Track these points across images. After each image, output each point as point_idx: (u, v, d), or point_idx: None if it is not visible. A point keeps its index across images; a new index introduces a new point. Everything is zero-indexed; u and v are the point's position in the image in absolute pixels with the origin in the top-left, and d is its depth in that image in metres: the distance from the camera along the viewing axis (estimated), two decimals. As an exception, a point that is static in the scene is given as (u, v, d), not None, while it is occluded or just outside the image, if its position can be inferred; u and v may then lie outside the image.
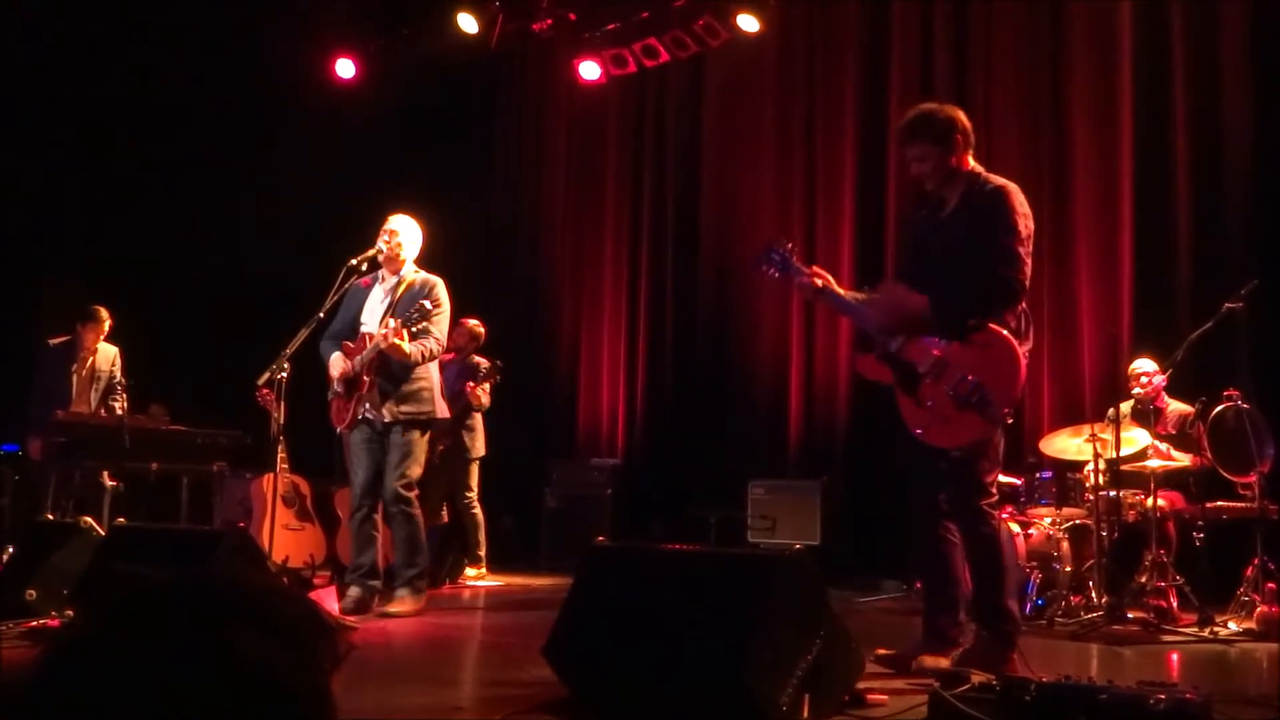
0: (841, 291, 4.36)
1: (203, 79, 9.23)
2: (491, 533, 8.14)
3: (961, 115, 4.24)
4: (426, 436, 5.97)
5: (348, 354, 5.78)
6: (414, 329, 5.60)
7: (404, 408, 5.75)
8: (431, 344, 5.77)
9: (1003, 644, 4.04)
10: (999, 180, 4.19)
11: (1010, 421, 4.22)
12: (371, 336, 5.69)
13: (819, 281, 4.29)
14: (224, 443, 7.24)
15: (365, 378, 5.69)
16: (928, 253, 4.25)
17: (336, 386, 5.85)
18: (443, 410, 6.09)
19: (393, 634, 5.21)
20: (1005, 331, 4.00)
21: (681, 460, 9.34)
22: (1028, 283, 4.09)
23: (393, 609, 5.67)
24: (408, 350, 5.60)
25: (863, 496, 8.22)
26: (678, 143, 9.88)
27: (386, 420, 5.75)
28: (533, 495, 9.30)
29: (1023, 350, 4.03)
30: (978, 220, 4.09)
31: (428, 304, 5.63)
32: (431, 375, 5.93)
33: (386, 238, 5.87)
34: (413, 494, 5.81)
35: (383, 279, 5.95)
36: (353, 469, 5.94)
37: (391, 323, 5.59)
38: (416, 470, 5.84)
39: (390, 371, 5.72)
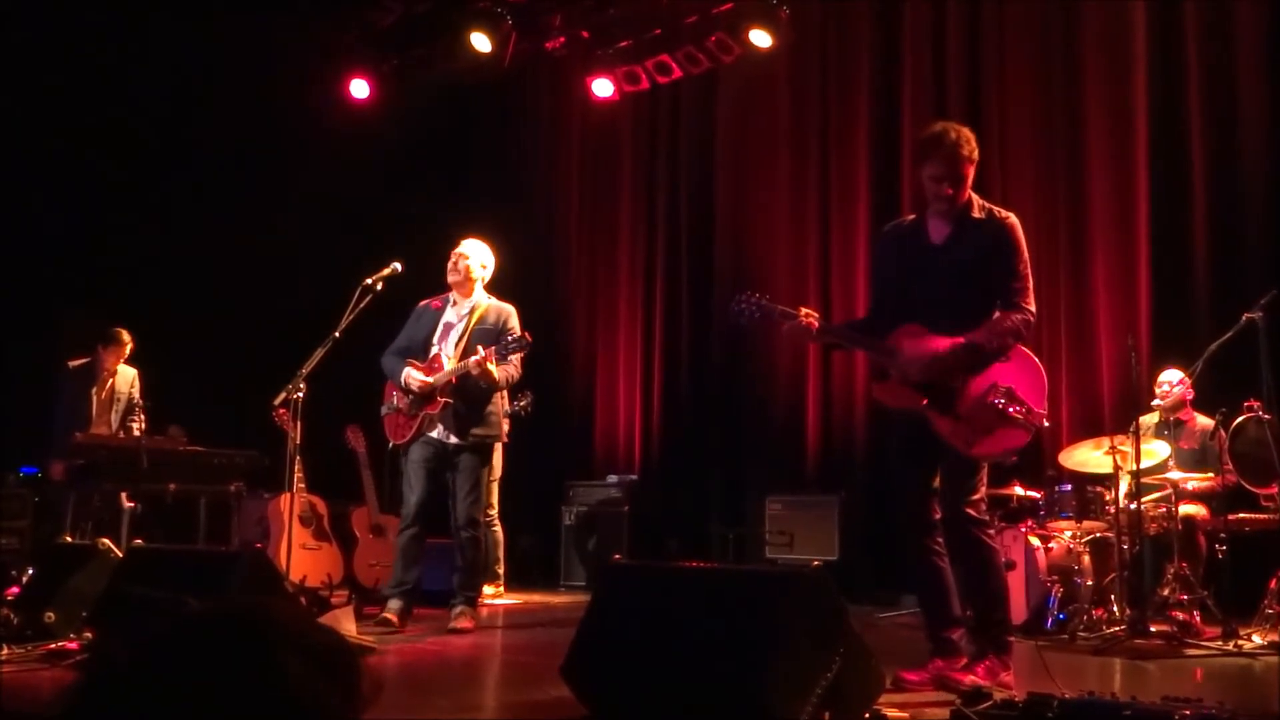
0: (845, 330, 4.45)
1: (220, 102, 9.28)
2: (510, 551, 8.14)
3: (973, 137, 4.21)
4: (494, 459, 6.14)
5: (420, 372, 5.83)
6: (508, 356, 5.69)
7: (476, 430, 5.84)
8: (513, 371, 5.93)
9: (1000, 653, 4.04)
10: (1001, 210, 4.26)
11: (1047, 424, 4.25)
12: (438, 358, 5.76)
13: (814, 323, 4.23)
14: (241, 463, 7.28)
15: (440, 398, 5.74)
16: (917, 278, 4.22)
17: (397, 402, 5.90)
18: (505, 435, 6.21)
19: (412, 653, 5.20)
20: (1022, 346, 4.17)
21: (699, 477, 9.32)
22: None
23: (459, 625, 5.79)
24: (498, 376, 5.71)
25: (881, 511, 8.15)
26: (691, 159, 9.89)
27: (456, 442, 5.81)
28: (551, 513, 9.29)
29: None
30: (982, 252, 4.14)
31: (523, 335, 5.73)
32: (500, 401, 6.05)
33: (456, 261, 5.94)
34: (484, 519, 5.99)
35: (454, 302, 6.05)
36: (409, 484, 5.96)
37: (480, 350, 5.65)
38: (488, 495, 6.06)
39: (468, 394, 5.81)
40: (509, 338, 5.71)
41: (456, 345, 5.86)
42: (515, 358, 5.84)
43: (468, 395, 5.80)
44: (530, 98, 10.69)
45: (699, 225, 9.76)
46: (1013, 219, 4.20)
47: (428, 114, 10.03)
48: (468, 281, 6.00)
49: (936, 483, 4.19)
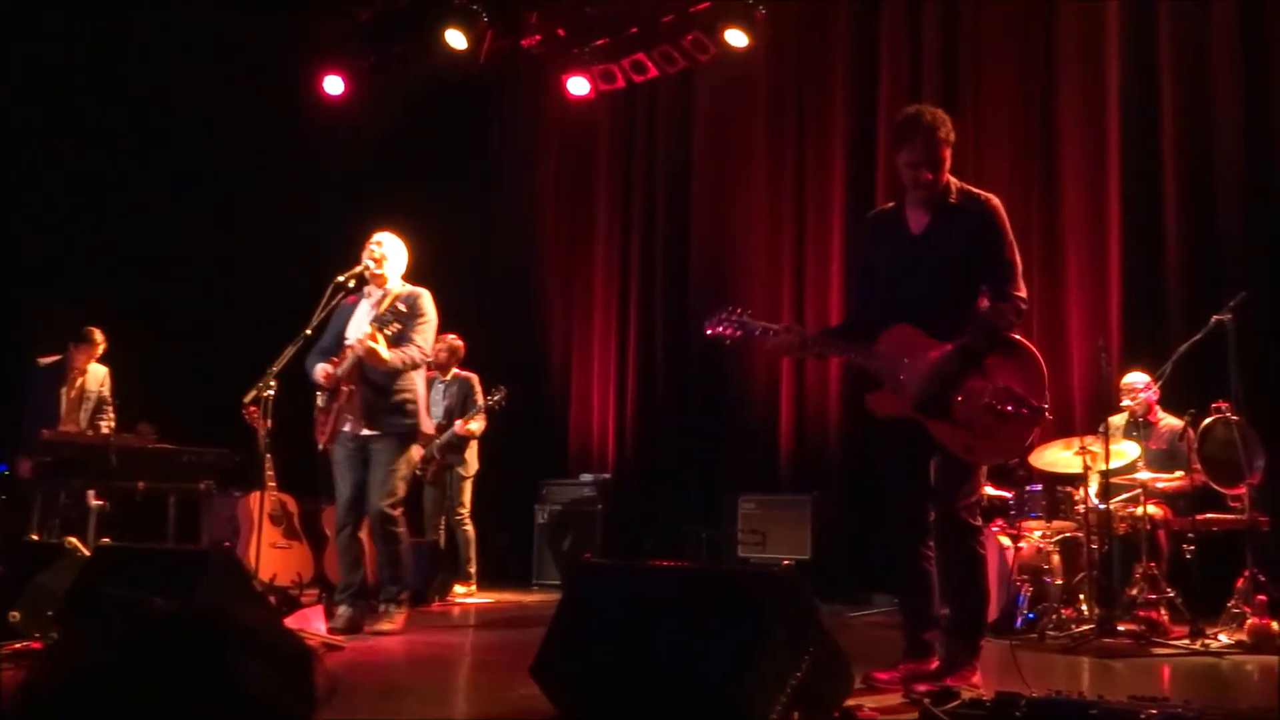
0: (831, 339, 4.29)
1: (195, 98, 9.21)
2: (484, 550, 8.12)
3: (949, 119, 4.10)
4: (410, 450, 5.90)
5: (332, 367, 5.75)
6: (388, 332, 5.53)
7: (389, 419, 5.69)
8: (414, 352, 5.71)
9: (970, 656, 4.01)
10: (979, 191, 4.13)
11: (1050, 417, 4.08)
12: (347, 350, 5.67)
13: (798, 335, 4.17)
14: (211, 461, 7.22)
15: (345, 387, 5.64)
16: (900, 272, 4.11)
17: (319, 401, 5.82)
18: (427, 424, 6.05)
19: (381, 652, 5.18)
20: (1015, 335, 4.03)
21: (672, 476, 9.33)
22: None
23: (383, 627, 5.64)
24: (386, 356, 5.53)
25: (853, 510, 8.19)
26: (668, 158, 9.90)
27: (366, 433, 5.70)
28: (524, 512, 9.29)
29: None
30: (965, 239, 4.02)
31: (402, 306, 5.59)
32: (416, 388, 5.86)
33: (372, 251, 5.85)
34: (398, 512, 5.76)
35: (369, 294, 5.93)
36: (337, 485, 5.89)
37: (366, 328, 5.54)
38: (402, 487, 5.79)
39: (371, 381, 5.66)
40: (383, 312, 5.54)
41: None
42: (419, 339, 5.70)
43: (372, 382, 5.66)
44: (508, 96, 10.67)
45: (675, 223, 9.77)
46: (993, 200, 4.08)
47: (404, 111, 9.98)
48: (380, 274, 5.85)
49: (930, 481, 4.09)
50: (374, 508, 5.70)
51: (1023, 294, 4.03)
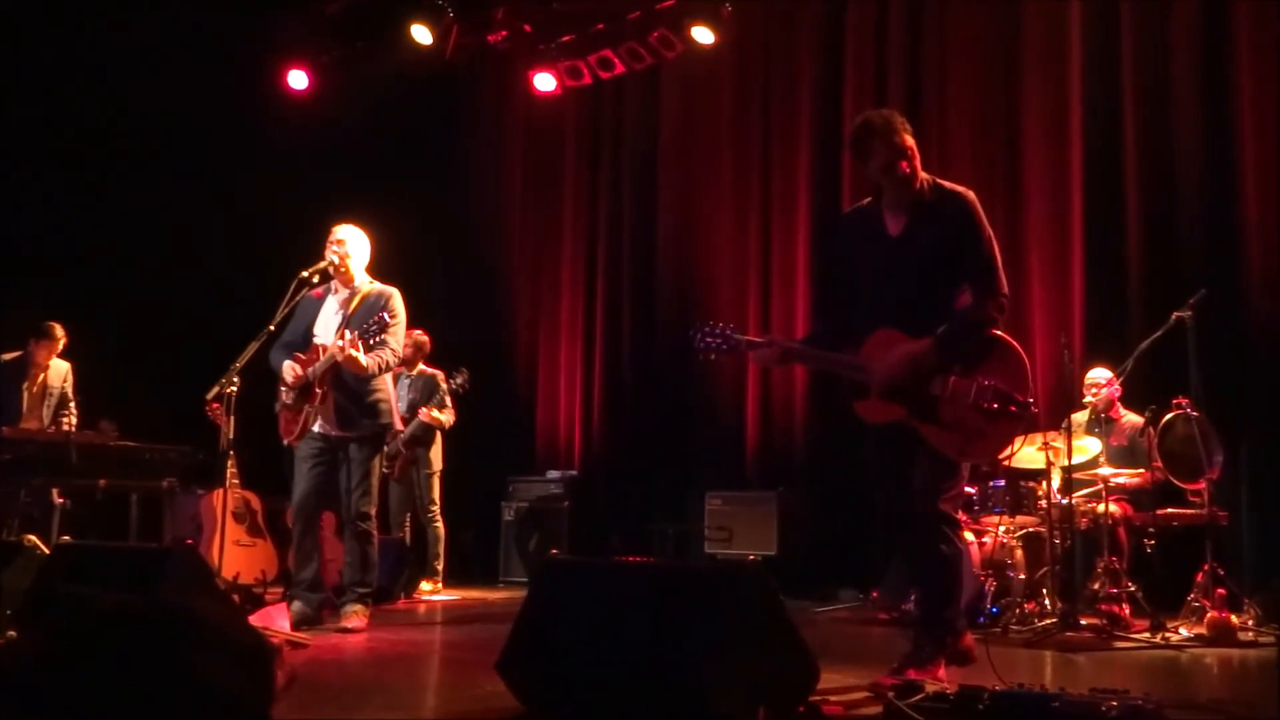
0: (811, 349, 4.25)
1: (159, 93, 9.10)
2: (450, 547, 8.10)
3: (897, 113, 4.09)
4: (382, 450, 5.94)
5: (300, 364, 5.70)
6: (372, 341, 5.54)
7: (362, 421, 5.68)
8: (388, 355, 5.71)
9: (936, 651, 3.99)
10: (954, 186, 4.09)
11: (1036, 410, 4.07)
12: (324, 348, 5.62)
13: (780, 347, 4.15)
14: (174, 458, 7.15)
15: (318, 389, 5.60)
16: (880, 274, 4.07)
17: (285, 398, 5.77)
18: (397, 423, 6.05)
19: (347, 649, 5.15)
20: (996, 330, 4.01)
21: (639, 473, 9.34)
22: None
23: (348, 624, 5.62)
24: (365, 363, 5.53)
25: (819, 507, 8.24)
26: (634, 154, 9.90)
27: (340, 435, 5.68)
28: (491, 509, 9.27)
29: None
30: (945, 236, 3.98)
31: (386, 316, 5.56)
32: (388, 387, 5.90)
33: (335, 248, 5.81)
34: (373, 512, 5.80)
35: (335, 290, 5.88)
36: (295, 481, 5.83)
37: (348, 334, 5.51)
38: (376, 487, 5.84)
39: (346, 384, 5.65)
40: (370, 323, 5.51)
41: (337, 333, 5.66)
42: (393, 341, 5.68)
43: (347, 386, 5.64)
44: (474, 92, 10.63)
45: (642, 220, 9.77)
46: (968, 195, 4.04)
47: (371, 107, 9.92)
48: (345, 269, 5.83)
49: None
50: (354, 510, 5.71)
51: (1002, 289, 4.00)
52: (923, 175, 4.04)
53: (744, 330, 8.64)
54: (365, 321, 5.56)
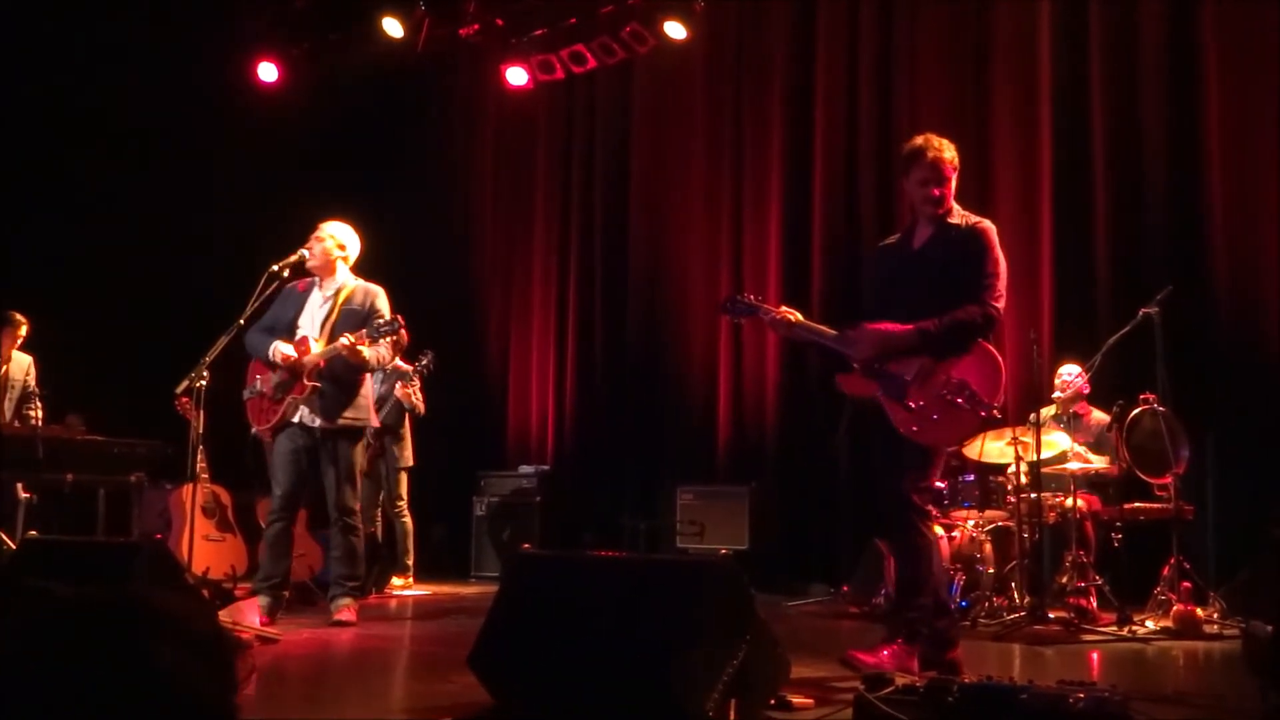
0: (813, 324, 4.50)
1: (127, 83, 9.01)
2: (422, 542, 8.07)
3: (953, 146, 4.44)
4: (361, 444, 5.97)
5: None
6: (378, 339, 5.56)
7: (346, 414, 5.70)
8: (384, 352, 5.81)
9: (910, 640, 4.11)
10: (976, 218, 4.38)
11: (999, 416, 4.38)
12: (305, 341, 5.62)
13: (792, 317, 4.43)
14: (142, 453, 7.09)
15: (307, 381, 5.60)
16: (898, 281, 4.39)
17: (262, 386, 5.74)
18: (375, 419, 6.09)
19: (318, 644, 5.13)
20: (980, 337, 4.23)
21: (611, 467, 9.34)
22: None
23: (341, 617, 5.65)
24: (368, 357, 5.59)
25: (791, 502, 8.27)
26: (606, 149, 9.89)
27: (322, 425, 5.66)
28: (462, 504, 9.24)
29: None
30: (956, 254, 4.26)
31: (383, 316, 5.62)
32: (369, 383, 5.95)
33: (314, 244, 5.80)
34: (357, 505, 5.82)
35: (321, 284, 5.88)
36: (275, 475, 5.82)
37: (350, 337, 5.47)
38: (359, 481, 5.88)
39: (337, 377, 5.66)
40: (380, 321, 5.55)
41: (323, 327, 5.68)
42: (385, 340, 5.70)
43: (336, 379, 5.65)
44: (445, 86, 10.58)
45: (614, 214, 9.76)
46: (985, 224, 4.35)
47: (342, 100, 9.86)
48: (328, 264, 5.82)
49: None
50: (342, 504, 5.71)
51: (996, 305, 4.22)
52: (954, 204, 4.39)
53: (717, 324, 8.82)
54: (366, 319, 5.62)
